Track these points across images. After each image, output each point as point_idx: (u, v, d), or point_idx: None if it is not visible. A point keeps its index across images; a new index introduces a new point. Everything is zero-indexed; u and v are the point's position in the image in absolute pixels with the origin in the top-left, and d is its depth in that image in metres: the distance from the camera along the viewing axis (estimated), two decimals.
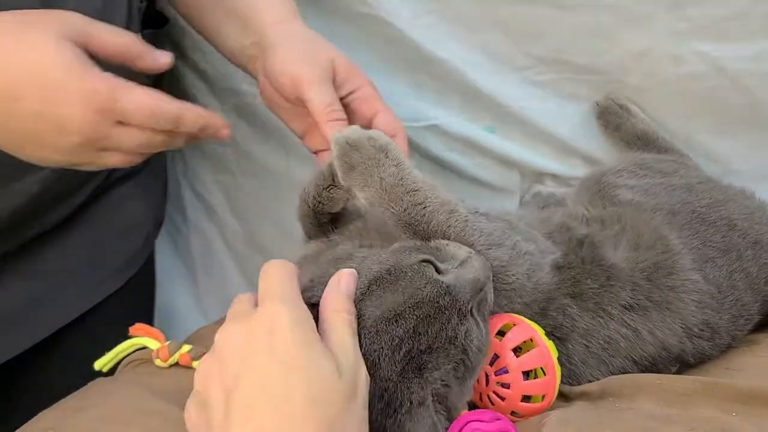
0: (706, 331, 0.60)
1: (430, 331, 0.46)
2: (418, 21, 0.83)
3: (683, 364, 0.60)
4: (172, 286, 1.05)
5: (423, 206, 0.54)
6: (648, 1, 0.75)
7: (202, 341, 0.62)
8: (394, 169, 0.55)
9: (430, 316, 0.46)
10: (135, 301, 0.88)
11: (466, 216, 0.54)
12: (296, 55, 0.67)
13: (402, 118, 0.86)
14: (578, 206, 0.67)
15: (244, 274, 1.03)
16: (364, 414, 0.43)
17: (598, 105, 0.83)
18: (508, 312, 0.54)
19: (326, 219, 0.64)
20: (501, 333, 0.54)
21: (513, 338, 0.53)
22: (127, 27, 0.70)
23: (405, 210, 0.54)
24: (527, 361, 0.53)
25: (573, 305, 0.56)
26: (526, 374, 0.53)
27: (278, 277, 0.47)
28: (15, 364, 0.75)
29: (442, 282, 0.48)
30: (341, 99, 0.68)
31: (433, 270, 0.49)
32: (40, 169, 0.66)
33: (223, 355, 0.43)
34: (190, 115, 0.57)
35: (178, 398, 0.50)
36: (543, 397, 0.53)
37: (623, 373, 0.58)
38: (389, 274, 0.48)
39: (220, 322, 0.75)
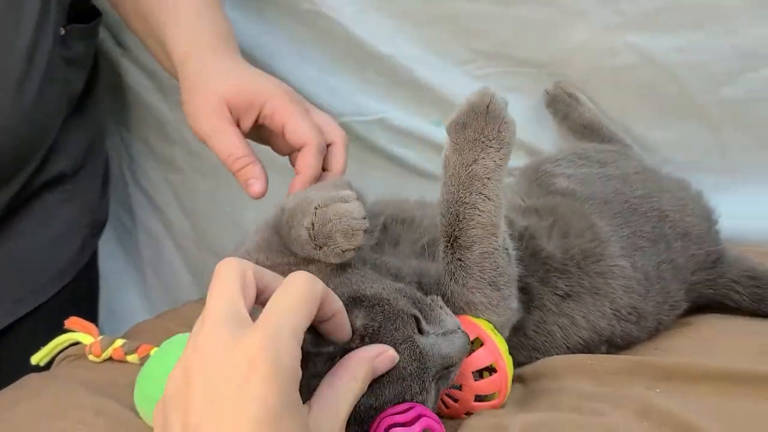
0: (633, 314, 0.62)
1: (386, 392, 0.44)
2: (362, 17, 0.85)
3: (612, 346, 0.63)
4: (119, 286, 1.05)
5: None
6: None
7: (140, 336, 0.62)
8: None
9: (392, 376, 0.44)
10: (76, 303, 0.86)
11: (496, 247, 0.52)
12: (193, 105, 0.66)
13: (350, 113, 0.90)
14: (515, 197, 0.69)
15: (193, 274, 1.03)
16: None
17: (547, 93, 0.85)
18: None
19: None
20: None
21: (476, 362, 0.51)
22: (42, 20, 0.69)
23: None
24: (476, 360, 0.52)
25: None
26: (479, 373, 0.52)
27: (286, 302, 0.39)
28: None
29: (418, 346, 0.45)
30: (255, 123, 0.66)
31: (416, 327, 0.47)
32: None
33: (191, 378, 0.37)
34: None
35: (112, 392, 0.51)
36: (497, 394, 0.53)
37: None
38: (379, 305, 0.46)
39: (162, 316, 0.75)
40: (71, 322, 0.61)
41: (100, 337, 0.58)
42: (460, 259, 0.52)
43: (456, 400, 0.52)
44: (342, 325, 0.44)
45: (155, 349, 0.55)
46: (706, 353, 0.61)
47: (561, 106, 0.84)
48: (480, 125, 0.53)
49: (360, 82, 0.89)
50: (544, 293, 0.59)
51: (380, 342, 0.44)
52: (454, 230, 0.52)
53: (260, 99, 0.65)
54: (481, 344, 0.52)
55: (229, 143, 0.64)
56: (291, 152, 0.68)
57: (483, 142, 0.52)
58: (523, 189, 0.71)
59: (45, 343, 0.60)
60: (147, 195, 1.04)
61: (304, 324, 0.39)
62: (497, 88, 0.82)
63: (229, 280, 0.39)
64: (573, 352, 0.61)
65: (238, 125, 0.65)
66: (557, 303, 0.59)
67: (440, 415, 0.50)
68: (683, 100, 0.80)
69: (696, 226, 0.69)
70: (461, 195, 0.51)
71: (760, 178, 0.81)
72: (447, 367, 0.47)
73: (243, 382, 0.35)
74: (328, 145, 0.67)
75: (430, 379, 0.46)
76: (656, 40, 0.78)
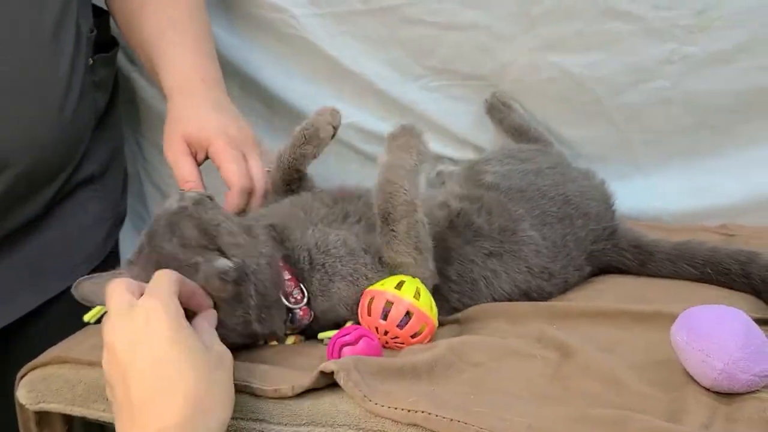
0: (544, 273, 0.80)
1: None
2: (334, 40, 1.03)
3: (530, 299, 0.80)
4: None
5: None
6: (510, 22, 0.96)
7: None
8: None
9: None
10: None
11: (417, 220, 0.70)
12: (167, 136, 0.82)
13: None
14: (455, 186, 0.88)
15: None
16: (229, 377, 0.56)
17: (486, 102, 1.03)
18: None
19: (296, 176, 0.83)
20: (385, 314, 0.67)
21: (395, 316, 0.67)
22: (76, 53, 0.84)
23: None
24: (411, 328, 0.68)
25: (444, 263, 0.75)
26: (413, 335, 0.68)
27: (161, 281, 0.58)
28: None
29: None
30: (208, 157, 0.82)
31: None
32: (2, 171, 0.77)
33: (114, 347, 0.54)
34: None
35: None
36: (424, 326, 0.69)
37: None
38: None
39: None
40: None
41: None
42: (392, 230, 0.70)
43: (402, 344, 0.69)
44: (202, 299, 0.63)
45: None
46: (597, 299, 0.79)
47: (497, 113, 1.02)
48: (406, 138, 0.73)
49: (335, 92, 1.06)
50: (471, 251, 0.77)
51: None
52: (387, 207, 0.70)
53: (206, 142, 0.80)
54: (413, 314, 0.68)
55: (183, 170, 0.80)
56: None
57: (406, 148, 0.72)
58: (461, 181, 0.89)
59: (77, 319, 0.70)
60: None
61: (174, 289, 0.58)
62: (447, 97, 1.05)
63: (115, 292, 0.58)
64: (498, 302, 0.79)
65: (196, 156, 0.82)
66: (483, 259, 0.77)
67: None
68: (593, 105, 0.97)
69: (595, 207, 0.86)
70: (391, 180, 0.70)
71: (655, 168, 0.99)
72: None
73: (147, 321, 0.54)
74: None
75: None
76: (570, 58, 0.95)
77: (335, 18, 1.01)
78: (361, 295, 0.70)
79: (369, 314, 0.69)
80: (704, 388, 0.58)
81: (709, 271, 0.80)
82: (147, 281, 0.60)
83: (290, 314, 0.70)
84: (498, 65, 1.00)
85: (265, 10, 1.03)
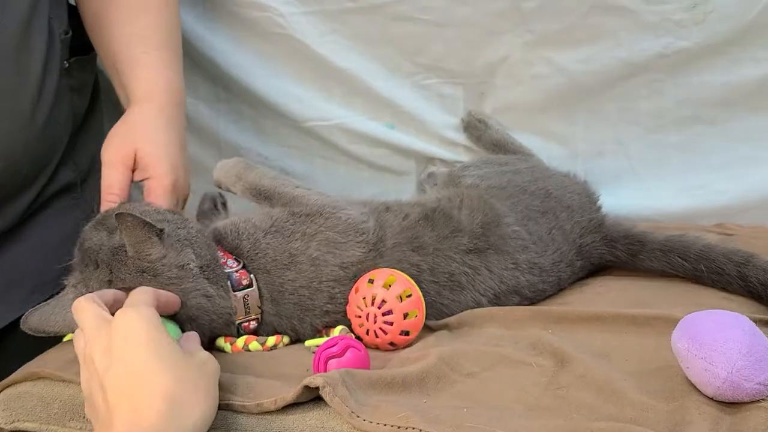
0: (534, 269, 0.78)
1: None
2: (323, 38, 1.01)
3: (523, 297, 0.79)
4: None
5: None
6: (502, 18, 0.94)
7: None
8: None
9: None
10: None
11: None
12: (116, 136, 0.80)
13: (314, 118, 1.06)
14: (432, 191, 0.87)
15: None
16: (211, 383, 0.56)
17: (462, 121, 1.02)
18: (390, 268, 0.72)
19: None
20: (388, 285, 0.70)
21: (397, 289, 0.69)
22: (49, 56, 0.81)
23: None
24: (407, 306, 0.69)
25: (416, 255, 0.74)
26: (404, 316, 0.69)
27: (138, 295, 0.60)
28: None
29: None
30: (140, 180, 0.79)
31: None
32: None
33: (93, 358, 0.54)
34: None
35: None
36: (411, 332, 0.70)
37: (477, 305, 0.76)
38: None
39: None
40: None
41: None
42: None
43: (386, 333, 0.68)
44: (173, 302, 0.65)
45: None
46: (593, 303, 0.77)
47: (474, 130, 1.00)
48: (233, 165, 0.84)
49: (322, 92, 1.04)
50: (448, 246, 0.76)
51: None
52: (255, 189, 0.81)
53: (150, 171, 0.79)
54: (411, 294, 0.70)
55: (114, 179, 0.77)
56: None
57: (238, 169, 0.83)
58: (441, 186, 0.88)
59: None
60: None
61: (150, 300, 0.60)
62: (437, 95, 1.02)
63: (86, 308, 0.58)
64: (485, 298, 0.76)
65: (133, 171, 0.79)
66: (461, 255, 0.75)
67: (369, 347, 0.67)
68: (585, 100, 0.96)
69: (577, 200, 0.85)
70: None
71: (649, 167, 0.97)
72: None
73: (125, 331, 0.55)
74: None
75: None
76: (563, 54, 0.94)
77: (324, 16, 0.99)
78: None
79: (371, 283, 0.69)
80: (707, 397, 0.55)
81: (703, 267, 0.78)
82: (88, 283, 0.66)
83: (229, 281, 0.71)
84: (489, 62, 0.98)
85: (251, 9, 1.00)
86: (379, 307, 0.69)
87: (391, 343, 0.70)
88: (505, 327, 0.73)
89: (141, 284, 0.64)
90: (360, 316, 0.70)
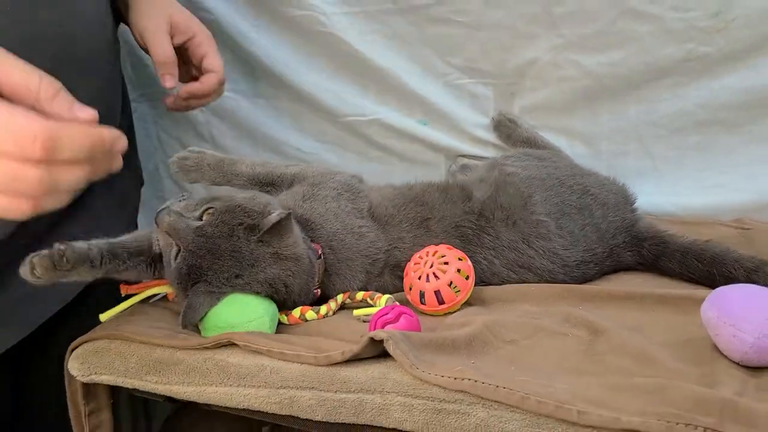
0: (555, 259, 0.82)
1: None
2: (363, 38, 1.06)
3: (540, 279, 0.82)
4: None
5: None
6: (533, 22, 1.00)
7: None
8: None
9: None
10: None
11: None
12: (143, 13, 0.89)
13: (351, 113, 1.11)
14: (473, 175, 0.92)
15: None
16: None
17: (493, 120, 1.07)
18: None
19: None
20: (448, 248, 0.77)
21: (456, 252, 0.77)
22: (113, 24, 0.88)
23: None
24: (461, 264, 0.76)
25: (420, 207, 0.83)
26: (457, 270, 0.75)
27: None
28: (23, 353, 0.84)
29: None
30: (182, 44, 0.90)
31: None
32: None
33: None
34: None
35: None
36: (459, 291, 0.75)
37: (488, 264, 0.82)
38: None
39: None
40: (125, 288, 0.79)
41: None
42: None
43: (437, 278, 0.74)
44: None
45: None
46: (622, 284, 0.83)
47: (504, 128, 1.05)
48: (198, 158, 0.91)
49: (360, 89, 1.09)
50: (454, 206, 0.83)
51: None
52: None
53: (193, 30, 0.91)
54: (466, 261, 0.77)
55: (165, 48, 0.88)
56: (188, 80, 0.94)
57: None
58: (482, 173, 0.92)
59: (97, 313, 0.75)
60: (178, 185, 1.21)
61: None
62: (469, 95, 1.08)
63: None
64: (498, 261, 0.82)
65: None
66: (468, 214, 0.83)
67: (421, 313, 0.73)
68: (609, 101, 1.01)
69: (613, 198, 0.89)
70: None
71: (670, 166, 1.02)
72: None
73: None
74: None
75: None
76: (589, 57, 0.99)
77: (365, 16, 1.04)
78: None
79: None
80: (734, 362, 0.60)
81: (715, 271, 0.80)
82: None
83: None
84: (520, 64, 1.04)
85: (294, 8, 1.06)
86: (439, 258, 0.76)
87: (439, 299, 0.75)
88: (535, 303, 0.78)
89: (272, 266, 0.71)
90: (418, 263, 0.76)
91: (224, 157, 0.90)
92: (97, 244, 0.73)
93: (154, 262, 0.77)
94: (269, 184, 0.88)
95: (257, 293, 0.71)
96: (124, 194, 0.98)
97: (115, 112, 0.90)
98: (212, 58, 0.92)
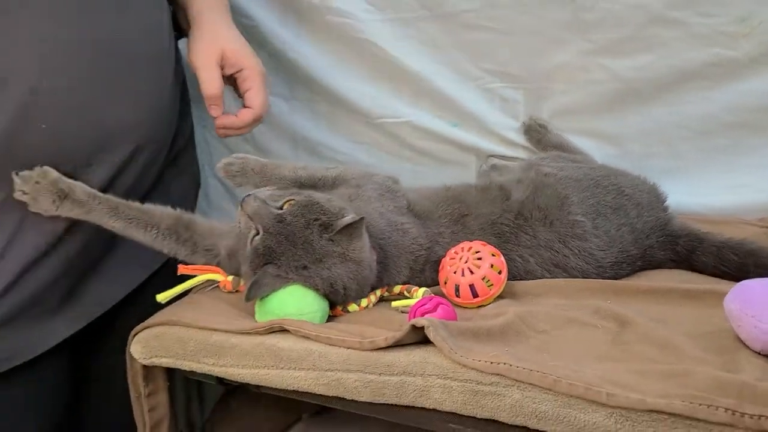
0: (589, 258, 0.85)
1: None
2: (398, 43, 1.11)
3: (572, 277, 0.85)
4: None
5: None
6: (563, 27, 1.04)
7: None
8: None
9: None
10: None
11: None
12: (200, 44, 0.93)
13: (385, 115, 1.16)
14: (511, 176, 0.95)
15: None
16: None
17: (524, 124, 1.11)
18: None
19: None
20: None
21: (489, 248, 0.81)
22: (169, 22, 0.93)
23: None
24: (495, 260, 0.80)
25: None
26: (491, 265, 0.79)
27: None
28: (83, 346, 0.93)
29: None
30: (232, 75, 0.94)
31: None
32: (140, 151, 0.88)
33: None
34: None
35: (242, 306, 0.77)
36: (492, 286, 0.79)
37: (523, 262, 0.85)
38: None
39: None
40: (183, 268, 0.84)
41: (230, 277, 0.83)
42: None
43: (472, 273, 0.78)
44: None
45: None
46: (648, 280, 0.86)
47: (534, 133, 1.09)
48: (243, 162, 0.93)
49: (394, 92, 1.14)
50: (492, 204, 0.87)
51: None
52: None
53: (241, 64, 0.94)
54: (499, 257, 0.81)
55: (214, 80, 0.92)
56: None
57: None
58: (519, 173, 0.96)
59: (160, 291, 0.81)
60: (223, 184, 1.28)
61: None
62: (499, 98, 1.12)
63: None
64: (533, 259, 0.85)
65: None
66: (506, 212, 0.86)
67: (455, 305, 0.77)
68: (637, 104, 1.04)
69: (646, 198, 0.92)
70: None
71: (696, 166, 1.05)
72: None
73: None
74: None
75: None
76: (617, 61, 1.03)
77: (400, 23, 1.09)
78: None
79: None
80: (756, 352, 0.64)
81: (749, 262, 0.83)
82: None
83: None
84: (549, 68, 1.07)
85: (333, 15, 1.11)
86: (474, 254, 0.80)
87: (474, 293, 0.79)
88: (565, 297, 0.81)
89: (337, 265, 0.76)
90: (453, 258, 0.81)
91: (267, 161, 0.94)
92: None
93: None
94: (311, 186, 0.91)
95: (317, 289, 0.75)
96: (181, 196, 1.04)
97: (173, 113, 0.95)
98: (254, 94, 0.95)
